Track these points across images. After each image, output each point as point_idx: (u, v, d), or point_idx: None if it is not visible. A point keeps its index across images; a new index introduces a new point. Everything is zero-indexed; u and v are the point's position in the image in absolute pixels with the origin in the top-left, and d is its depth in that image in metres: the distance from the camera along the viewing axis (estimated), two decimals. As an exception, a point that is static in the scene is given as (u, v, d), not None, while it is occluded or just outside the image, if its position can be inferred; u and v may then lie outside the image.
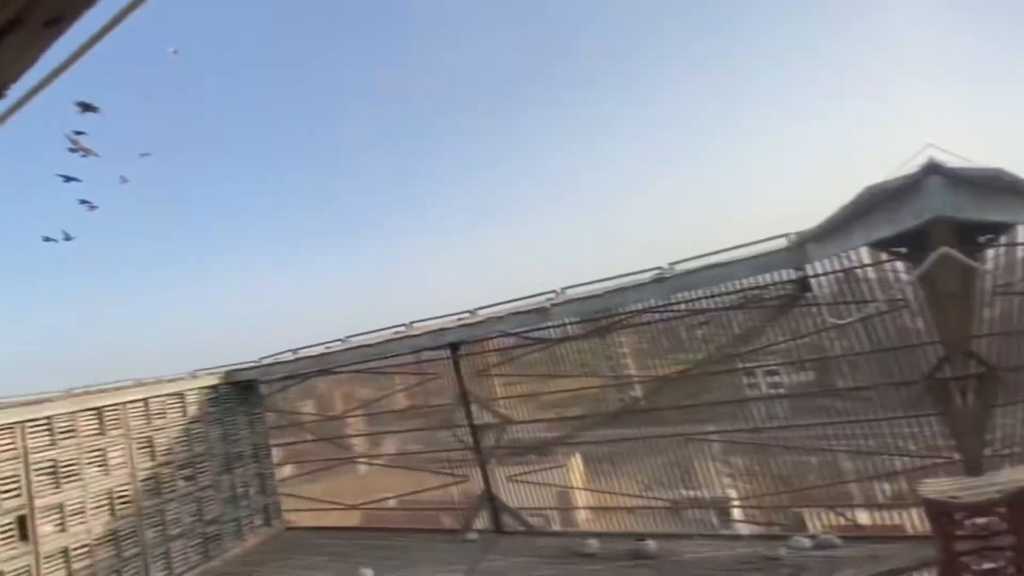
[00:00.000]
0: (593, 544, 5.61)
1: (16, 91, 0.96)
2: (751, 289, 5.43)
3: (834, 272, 5.13)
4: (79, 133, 7.95)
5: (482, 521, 6.89)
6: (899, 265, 4.76)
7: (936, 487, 3.73)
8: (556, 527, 6.69)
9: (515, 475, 6.80)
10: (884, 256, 4.71)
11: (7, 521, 5.76)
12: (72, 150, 7.90)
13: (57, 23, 0.81)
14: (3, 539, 5.65)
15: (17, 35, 0.79)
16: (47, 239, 9.47)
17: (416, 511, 7.63)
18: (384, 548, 6.73)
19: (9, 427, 6.04)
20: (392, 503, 7.81)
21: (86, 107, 7.57)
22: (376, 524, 7.88)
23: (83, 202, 9.17)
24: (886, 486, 5.42)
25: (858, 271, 5.02)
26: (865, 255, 4.83)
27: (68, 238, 9.39)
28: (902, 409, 5.14)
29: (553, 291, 6.09)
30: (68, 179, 8.41)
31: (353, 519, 8.05)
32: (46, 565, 5.93)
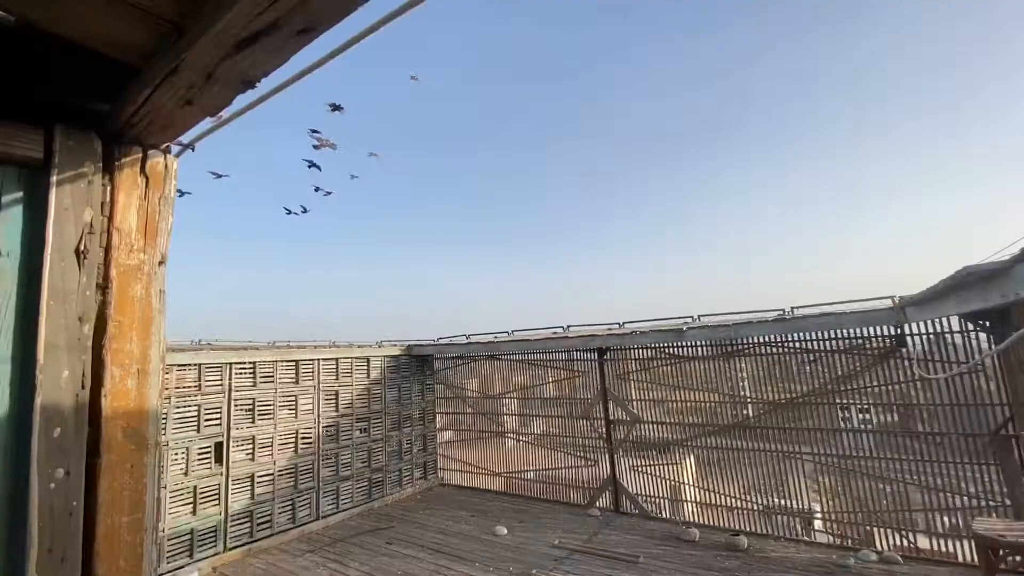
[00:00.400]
0: (694, 533, 6.52)
1: (266, 84, 1.01)
2: (856, 338, 6.53)
3: (927, 333, 6.10)
4: (314, 132, 8.58)
5: (604, 501, 8.07)
6: (983, 335, 5.67)
7: (987, 524, 4.15)
8: (665, 514, 7.74)
9: (637, 466, 7.98)
10: (971, 326, 5.62)
11: (206, 445, 6.58)
12: (316, 147, 8.64)
13: (309, 32, 0.85)
14: (202, 460, 6.50)
15: (271, 38, 0.84)
16: (288, 211, 10.19)
17: (550, 484, 8.73)
18: (519, 512, 7.87)
19: (219, 366, 6.90)
20: (531, 475, 8.91)
21: (335, 107, 8.22)
22: (514, 491, 9.04)
23: (318, 189, 9.90)
24: (946, 519, 5.97)
25: (947, 335, 5.98)
26: (955, 323, 5.75)
27: (304, 211, 10.19)
28: (968, 456, 5.81)
29: (690, 316, 7.61)
30: (311, 165, 9.09)
31: (496, 484, 9.27)
32: (234, 486, 6.77)
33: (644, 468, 7.98)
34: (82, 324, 1.10)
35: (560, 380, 8.95)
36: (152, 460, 1.20)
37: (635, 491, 7.96)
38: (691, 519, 7.53)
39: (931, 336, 6.15)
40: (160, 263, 1.22)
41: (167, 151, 1.24)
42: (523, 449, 9.20)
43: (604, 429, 8.22)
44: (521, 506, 8.27)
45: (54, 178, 1.08)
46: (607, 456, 8.13)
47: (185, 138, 1.27)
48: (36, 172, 1.10)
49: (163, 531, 5.97)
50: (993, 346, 5.85)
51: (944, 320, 5.92)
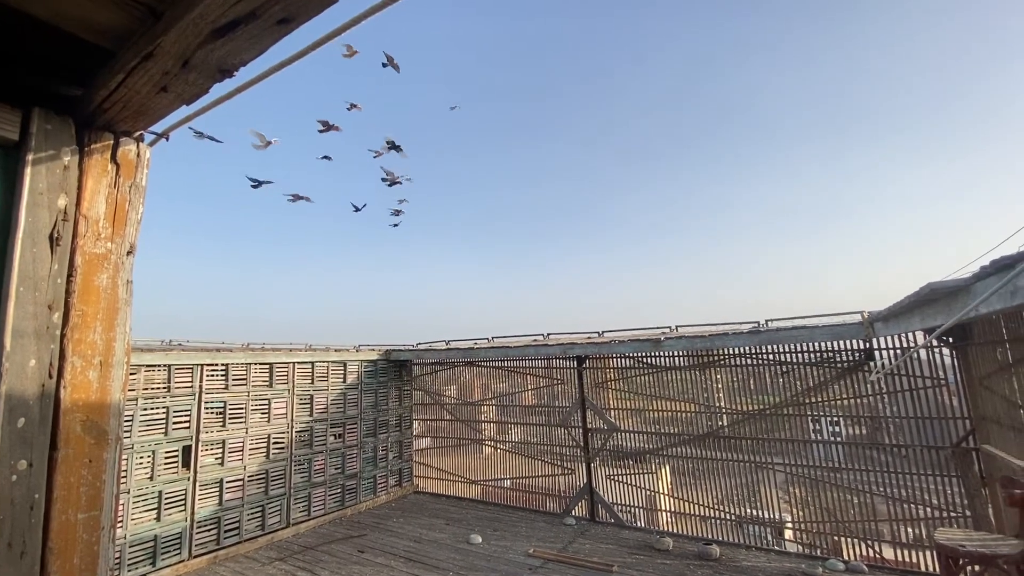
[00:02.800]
0: (668, 542, 6.56)
1: (244, 74, 1.00)
2: (826, 351, 6.71)
3: (893, 348, 6.30)
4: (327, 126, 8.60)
5: (579, 510, 8.07)
6: (945, 350, 5.92)
7: (948, 535, 4.21)
8: (640, 523, 7.78)
9: (613, 475, 8.01)
10: (935, 341, 5.78)
11: (174, 449, 6.39)
12: (321, 131, 8.51)
13: (288, 22, 0.84)
14: (169, 464, 6.32)
15: (250, 27, 0.84)
16: (356, 208, 10.20)
17: (526, 492, 8.69)
18: (494, 520, 7.80)
19: (190, 368, 6.75)
20: (507, 483, 8.87)
21: (352, 105, 8.37)
22: (490, 499, 8.99)
23: (325, 157, 9.61)
24: (909, 529, 6.14)
25: (912, 350, 6.13)
26: (920, 338, 5.91)
27: (357, 209, 10.24)
28: (931, 468, 6.02)
29: (668, 326, 7.73)
30: (326, 158, 9.23)
31: (472, 492, 9.20)
32: (202, 491, 6.59)
33: (620, 477, 8.02)
34: (51, 312, 1.06)
35: (539, 388, 8.97)
36: (112, 456, 1.17)
37: (611, 500, 7.99)
38: (665, 528, 7.60)
39: (897, 351, 6.34)
40: (129, 253, 1.19)
41: (140, 139, 1.22)
42: (500, 457, 9.17)
43: (582, 437, 8.25)
44: (497, 514, 8.22)
45: (29, 160, 1.05)
46: (584, 465, 8.15)
47: (161, 127, 1.25)
48: (10, 154, 1.07)
49: (125, 537, 5.77)
50: (956, 362, 6.11)
51: (910, 335, 6.12)
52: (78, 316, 1.10)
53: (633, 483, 7.93)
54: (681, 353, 7.63)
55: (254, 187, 9.08)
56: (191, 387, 6.80)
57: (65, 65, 1.12)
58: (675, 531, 7.46)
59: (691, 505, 7.49)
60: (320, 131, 8.73)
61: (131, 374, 6.20)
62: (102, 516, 1.14)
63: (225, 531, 6.79)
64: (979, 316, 4.25)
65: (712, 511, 7.33)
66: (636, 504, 7.93)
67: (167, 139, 1.24)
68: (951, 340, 5.76)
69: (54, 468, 1.05)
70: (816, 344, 6.79)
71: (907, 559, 6.03)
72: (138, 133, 1.21)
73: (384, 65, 8.06)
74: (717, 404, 7.60)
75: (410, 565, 6.09)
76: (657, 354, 7.77)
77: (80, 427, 1.09)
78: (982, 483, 5.61)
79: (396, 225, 10.31)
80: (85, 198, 1.12)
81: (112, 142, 1.17)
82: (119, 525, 5.77)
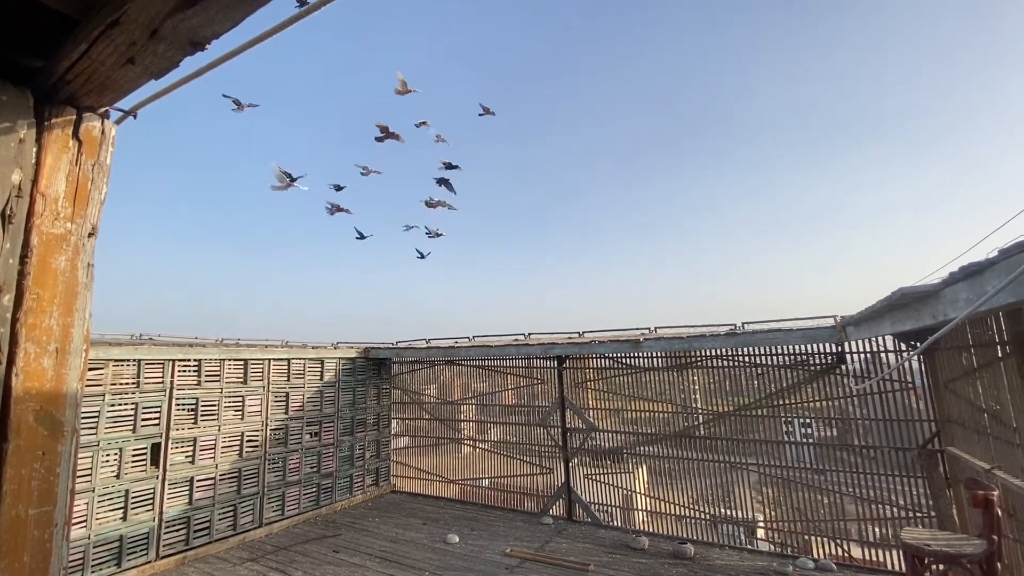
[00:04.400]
0: (643, 541, 6.62)
1: (217, 48, 0.95)
2: (800, 354, 6.84)
3: (864, 352, 6.44)
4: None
5: (557, 509, 8.08)
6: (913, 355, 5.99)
7: (913, 534, 4.30)
8: (616, 523, 7.83)
9: (591, 474, 8.04)
10: (903, 346, 5.97)
11: (142, 446, 6.18)
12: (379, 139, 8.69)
13: None
14: (137, 462, 6.13)
15: None
16: (420, 256, 10.33)
17: (504, 492, 8.67)
18: (471, 520, 7.76)
19: (161, 363, 6.55)
20: (486, 483, 8.84)
21: (422, 123, 8.73)
22: (469, 499, 8.94)
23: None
24: (877, 529, 6.30)
25: (882, 354, 6.36)
26: (890, 342, 6.14)
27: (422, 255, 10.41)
28: (898, 469, 6.18)
29: (647, 328, 7.80)
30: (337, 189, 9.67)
31: (450, 491, 9.13)
32: (171, 490, 6.40)
33: (598, 477, 8.06)
34: (2, 294, 1.00)
35: (519, 387, 8.95)
36: (68, 449, 1.11)
37: (588, 499, 8.02)
38: (642, 527, 7.66)
39: (867, 354, 6.49)
40: (90, 235, 1.13)
41: (106, 116, 1.16)
42: (479, 456, 9.14)
43: (560, 437, 8.26)
44: (475, 514, 8.18)
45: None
46: (562, 464, 8.16)
47: (129, 104, 1.19)
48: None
49: (89, 537, 5.58)
50: (923, 366, 6.29)
51: (880, 339, 6.28)
52: (33, 300, 1.03)
53: (610, 482, 7.98)
54: (660, 354, 7.70)
55: (285, 186, 8.80)
56: (162, 383, 6.61)
57: (25, 33, 1.05)
58: (651, 530, 7.52)
59: (667, 504, 7.56)
60: (377, 139, 8.57)
61: (98, 369, 6.00)
62: (55, 512, 1.08)
63: (195, 531, 6.61)
64: (947, 320, 4.38)
65: (687, 510, 7.41)
66: (613, 503, 7.97)
67: (135, 117, 1.18)
68: (919, 344, 5.87)
69: (4, 460, 0.99)
70: (791, 347, 6.90)
71: (874, 558, 6.17)
72: (103, 109, 1.15)
73: (480, 115, 8.65)
74: (693, 405, 7.69)
75: (385, 565, 6.01)
76: (636, 355, 7.83)
77: (33, 417, 1.03)
78: (947, 484, 5.80)
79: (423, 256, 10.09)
80: (43, 175, 1.06)
81: (74, 117, 1.11)
82: (82, 525, 5.58)
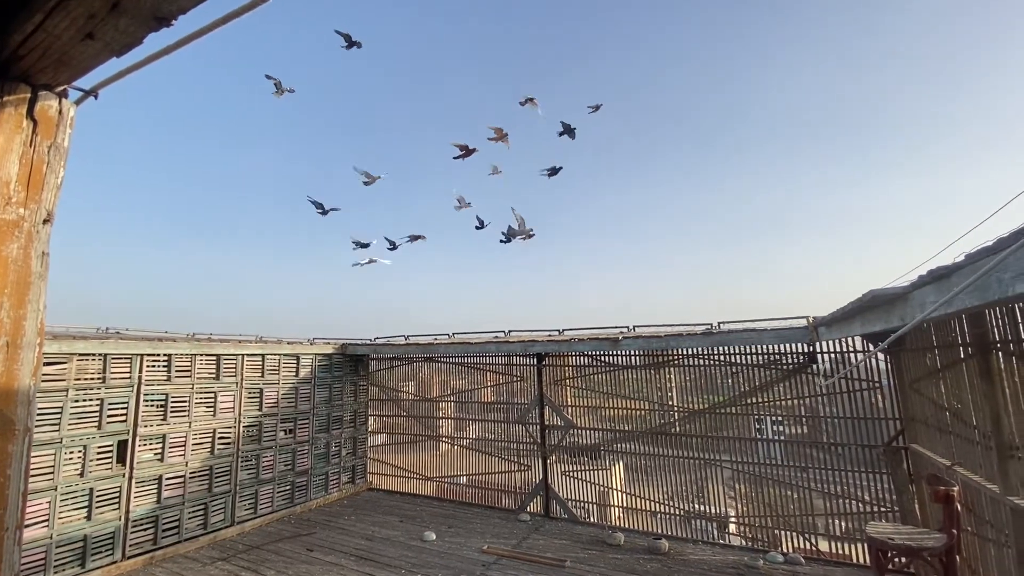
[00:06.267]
0: (619, 537, 6.69)
1: (185, 24, 0.90)
2: (773, 353, 6.99)
3: (834, 352, 6.61)
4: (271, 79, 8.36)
5: (535, 506, 8.10)
6: (881, 356, 6.25)
7: (878, 529, 4.48)
8: (593, 519, 7.88)
9: (568, 471, 8.07)
10: (872, 346, 6.12)
11: (108, 444, 5.98)
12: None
13: None
14: (102, 460, 5.94)
15: None
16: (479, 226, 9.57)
17: (482, 489, 8.66)
18: (449, 517, 7.73)
19: (128, 358, 6.34)
20: (463, 480, 8.79)
21: (349, 39, 7.99)
22: (446, 496, 8.89)
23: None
24: (843, 523, 6.49)
25: (850, 354, 6.52)
26: (859, 342, 6.30)
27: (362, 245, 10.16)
28: (864, 466, 6.36)
29: (626, 326, 7.85)
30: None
31: (428, 489, 9.06)
32: (138, 488, 6.21)
33: (575, 473, 8.09)
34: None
35: (499, 384, 8.93)
36: (20, 448, 1.04)
37: (566, 496, 8.06)
38: (617, 524, 7.73)
39: (837, 354, 6.67)
40: (45, 221, 1.06)
41: (64, 95, 1.09)
42: (457, 453, 9.09)
43: (539, 434, 8.27)
44: (452, 511, 8.14)
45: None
46: (540, 461, 8.18)
47: (90, 84, 1.13)
48: None
49: (51, 537, 5.39)
50: (889, 366, 6.49)
51: (849, 340, 6.45)
52: (-19, 290, 0.97)
53: (587, 479, 8.02)
54: (637, 352, 7.77)
55: (321, 213, 9.22)
56: (129, 378, 6.38)
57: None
58: (627, 526, 7.60)
59: (642, 500, 7.66)
60: (456, 157, 8.43)
61: (62, 363, 5.77)
62: (7, 516, 1.02)
63: (163, 530, 6.43)
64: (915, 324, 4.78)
65: (662, 506, 7.51)
66: (590, 500, 8.03)
67: (96, 97, 1.12)
68: (886, 346, 6.11)
69: (-53, 460, 0.93)
70: (764, 346, 7.04)
71: (841, 551, 6.36)
72: (61, 88, 1.08)
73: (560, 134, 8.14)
74: (669, 403, 7.77)
75: (361, 563, 5.94)
76: (614, 353, 7.89)
77: (-20, 415, 0.97)
78: (910, 480, 6.00)
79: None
80: (-7, 157, 0.99)
81: (29, 96, 1.04)
82: (44, 525, 5.38)
